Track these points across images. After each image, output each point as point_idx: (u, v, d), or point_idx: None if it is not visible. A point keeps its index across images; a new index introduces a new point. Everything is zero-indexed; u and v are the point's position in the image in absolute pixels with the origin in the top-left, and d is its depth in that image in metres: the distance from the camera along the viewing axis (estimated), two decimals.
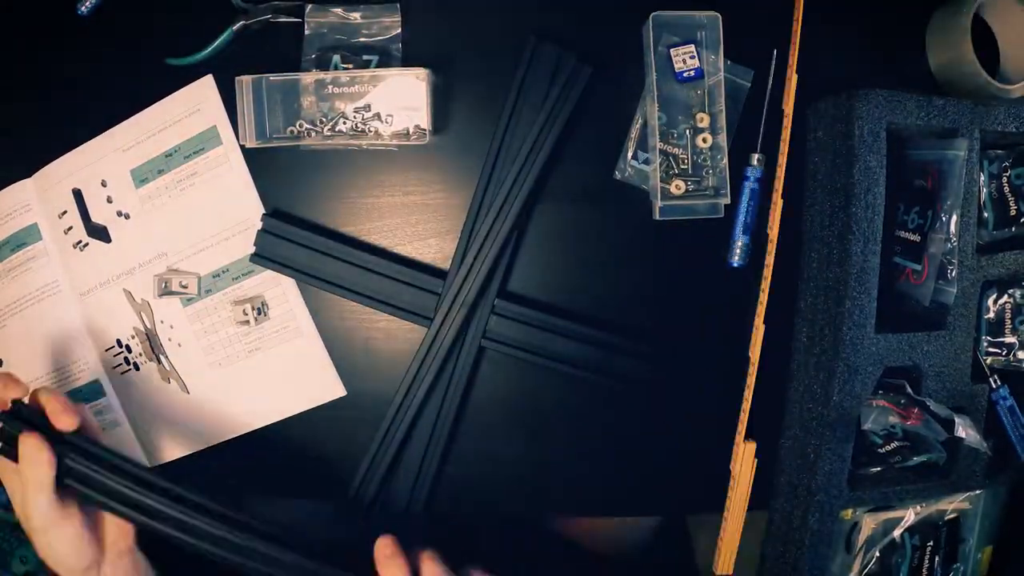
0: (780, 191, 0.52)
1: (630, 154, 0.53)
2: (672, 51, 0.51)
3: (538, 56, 0.50)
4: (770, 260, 0.52)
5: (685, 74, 0.51)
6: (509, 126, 0.50)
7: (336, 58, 0.51)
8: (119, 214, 0.54)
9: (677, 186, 0.51)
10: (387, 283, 0.51)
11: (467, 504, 0.55)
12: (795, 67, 0.51)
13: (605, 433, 0.55)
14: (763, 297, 0.52)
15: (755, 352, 0.52)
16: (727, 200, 0.51)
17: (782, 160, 0.52)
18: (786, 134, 0.52)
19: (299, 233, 0.51)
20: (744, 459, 0.53)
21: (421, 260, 0.53)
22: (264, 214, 0.52)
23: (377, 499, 0.51)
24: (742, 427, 0.53)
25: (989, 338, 0.53)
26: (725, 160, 0.51)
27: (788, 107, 0.51)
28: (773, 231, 0.52)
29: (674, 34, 0.51)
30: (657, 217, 0.52)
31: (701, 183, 0.52)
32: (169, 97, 0.53)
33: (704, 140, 0.51)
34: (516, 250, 0.52)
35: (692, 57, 0.51)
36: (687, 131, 0.51)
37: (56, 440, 0.39)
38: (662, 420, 0.55)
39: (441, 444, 0.52)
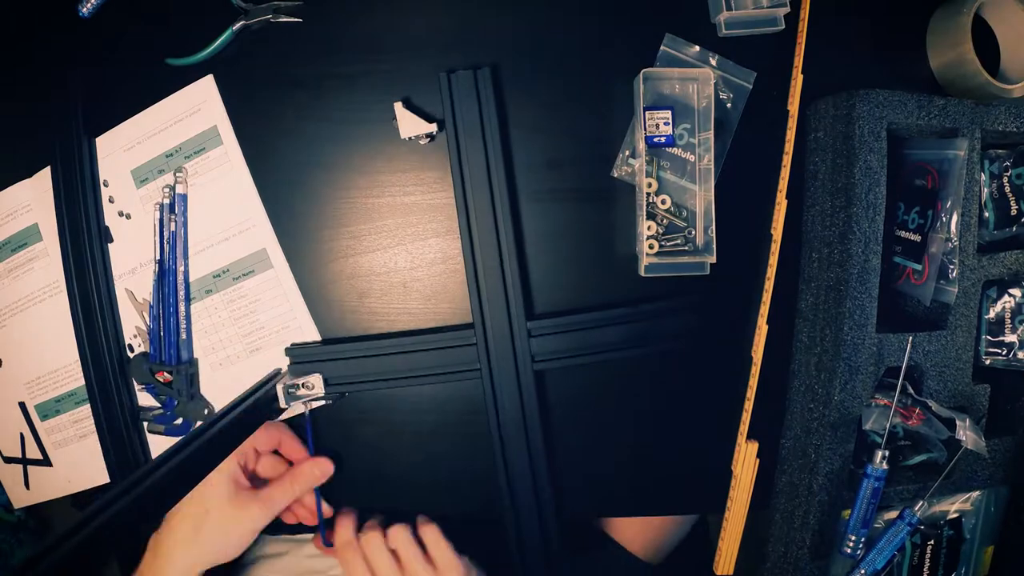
0: (784, 191, 0.52)
1: (628, 152, 0.53)
2: (647, 113, 0.50)
3: (457, 84, 0.49)
4: (773, 260, 0.52)
5: (656, 139, 0.50)
6: (462, 160, 0.49)
7: None
8: (120, 214, 0.54)
9: (651, 245, 0.51)
10: (425, 356, 0.51)
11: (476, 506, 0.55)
12: (800, 67, 0.51)
13: (607, 434, 0.55)
14: (766, 297, 0.52)
15: (758, 352, 0.52)
16: (713, 259, 0.51)
17: (786, 160, 0.52)
18: (791, 135, 0.52)
19: (326, 350, 0.51)
20: (746, 459, 0.53)
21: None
22: (287, 348, 0.53)
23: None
24: (744, 427, 0.53)
25: (989, 338, 0.53)
26: (713, 227, 0.51)
27: (793, 107, 0.51)
28: (776, 231, 0.52)
29: (662, 90, 0.51)
30: (642, 274, 0.52)
31: (688, 240, 0.52)
32: (169, 97, 0.53)
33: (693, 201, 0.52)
34: (525, 269, 0.52)
35: (667, 123, 0.50)
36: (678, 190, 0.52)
37: None
38: (664, 421, 0.55)
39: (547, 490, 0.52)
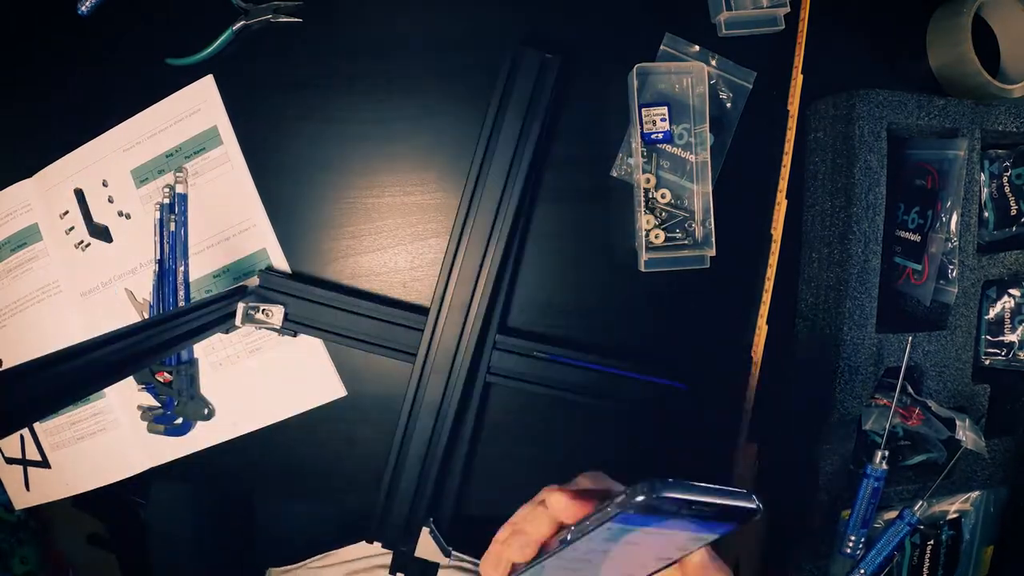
0: (784, 191, 0.52)
1: (627, 150, 0.53)
2: (644, 111, 0.50)
3: (519, 62, 0.48)
4: (773, 260, 0.52)
5: (653, 136, 0.50)
6: (491, 139, 0.48)
7: None
8: (120, 214, 0.54)
9: (656, 235, 0.51)
10: (376, 325, 0.50)
11: (482, 508, 0.55)
12: (800, 68, 0.51)
13: (608, 434, 0.55)
14: (766, 297, 0.52)
15: (758, 352, 0.53)
16: (712, 252, 0.51)
17: (786, 160, 0.52)
18: (791, 135, 0.52)
19: (296, 287, 0.51)
20: (746, 461, 0.53)
21: (420, 264, 0.53)
22: (260, 271, 0.52)
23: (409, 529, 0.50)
24: (744, 429, 0.53)
25: (989, 338, 0.53)
26: (711, 220, 0.51)
27: (793, 107, 0.51)
28: (777, 231, 0.52)
29: (660, 88, 0.51)
30: (642, 269, 0.52)
31: (688, 234, 0.52)
32: (169, 97, 0.53)
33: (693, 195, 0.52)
34: (516, 270, 0.52)
35: (663, 119, 0.50)
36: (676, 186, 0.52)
37: None
38: (664, 422, 0.55)
39: (458, 473, 0.51)
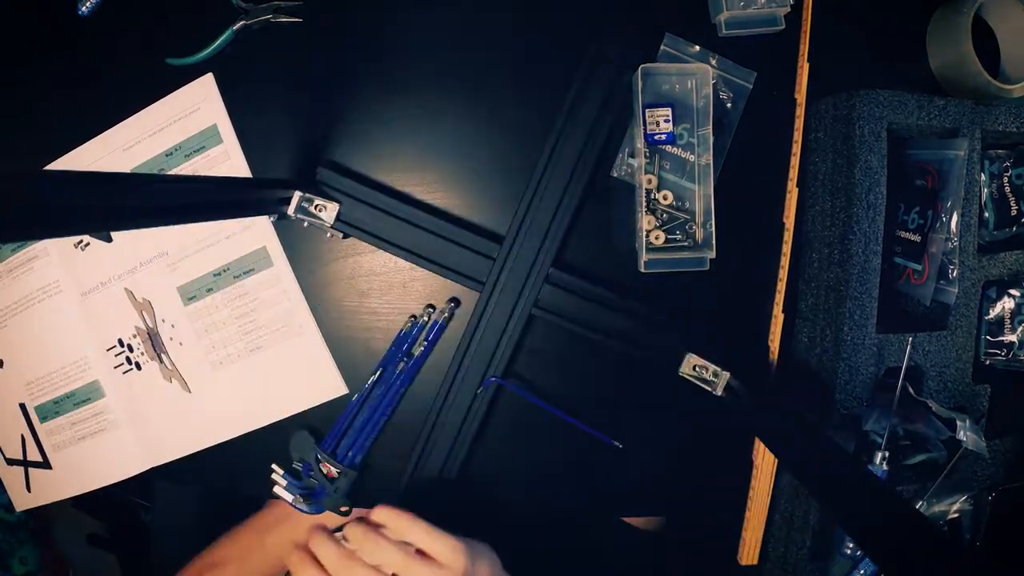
0: (795, 179, 0.52)
1: (627, 151, 0.53)
2: (648, 111, 0.50)
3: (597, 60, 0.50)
4: (787, 249, 0.52)
5: (656, 136, 0.50)
6: (573, 108, 0.50)
7: None
8: None
9: (657, 236, 0.51)
10: (441, 243, 0.50)
11: (481, 508, 0.55)
12: (807, 55, 0.51)
13: (623, 429, 0.54)
14: (780, 286, 0.52)
15: (775, 341, 0.52)
16: (712, 254, 0.51)
17: (796, 149, 0.52)
18: (799, 123, 0.52)
19: (358, 189, 0.50)
20: (767, 449, 0.53)
21: (476, 223, 0.53)
22: (320, 166, 0.51)
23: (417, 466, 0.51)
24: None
25: (989, 338, 0.53)
26: (712, 222, 0.51)
27: (801, 95, 0.51)
28: (789, 220, 0.52)
29: (661, 89, 0.51)
30: (642, 270, 0.52)
31: (688, 235, 0.52)
32: (169, 96, 0.53)
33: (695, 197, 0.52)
34: (575, 219, 0.51)
35: (667, 120, 0.50)
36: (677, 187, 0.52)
37: None
38: (675, 418, 0.55)
39: (477, 420, 0.51)
